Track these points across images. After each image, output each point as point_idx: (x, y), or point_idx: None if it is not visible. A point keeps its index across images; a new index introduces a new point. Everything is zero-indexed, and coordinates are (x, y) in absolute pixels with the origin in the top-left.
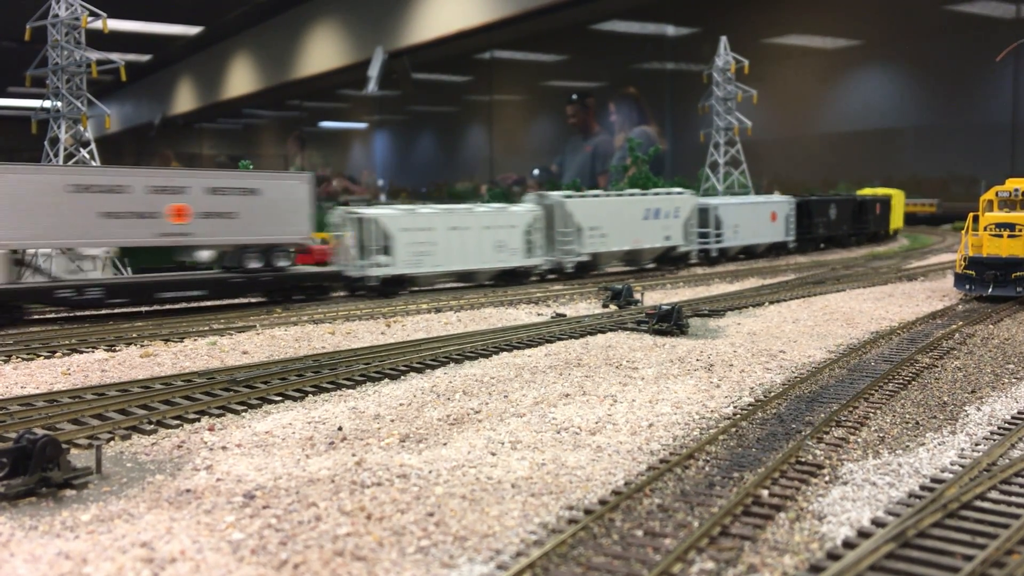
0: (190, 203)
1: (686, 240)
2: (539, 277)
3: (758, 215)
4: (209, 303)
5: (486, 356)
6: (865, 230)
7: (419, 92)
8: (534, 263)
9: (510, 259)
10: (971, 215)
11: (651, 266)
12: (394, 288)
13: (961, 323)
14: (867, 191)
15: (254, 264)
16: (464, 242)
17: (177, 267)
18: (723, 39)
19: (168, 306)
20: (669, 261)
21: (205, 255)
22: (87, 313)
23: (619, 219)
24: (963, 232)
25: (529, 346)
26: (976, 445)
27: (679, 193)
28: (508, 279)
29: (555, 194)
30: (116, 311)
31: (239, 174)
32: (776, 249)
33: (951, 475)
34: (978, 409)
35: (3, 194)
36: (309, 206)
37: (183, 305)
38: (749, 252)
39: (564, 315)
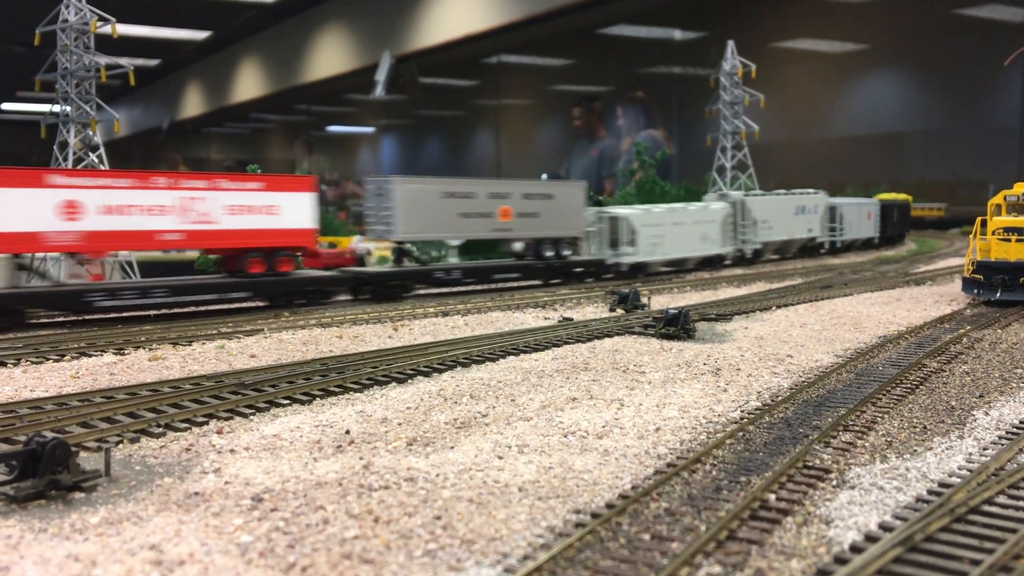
0: (512, 206)
1: (822, 232)
2: (731, 262)
3: (862, 213)
4: (219, 307)
5: (493, 360)
6: (886, 233)
7: (426, 96)
8: (726, 251)
9: (711, 248)
10: (979, 219)
11: (727, 262)
12: (635, 272)
13: (969, 327)
14: (884, 196)
15: (548, 253)
16: (682, 234)
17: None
18: (730, 43)
19: (176, 310)
20: (807, 251)
21: (518, 246)
22: (95, 317)
23: (780, 214)
24: (971, 236)
25: (536, 350)
26: (984, 450)
27: (814, 192)
28: (707, 264)
29: (736, 193)
30: (124, 316)
31: (542, 183)
32: (866, 244)
33: (959, 479)
34: (986, 414)
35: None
36: (584, 208)
37: (191, 309)
38: (850, 246)
39: (571, 319)
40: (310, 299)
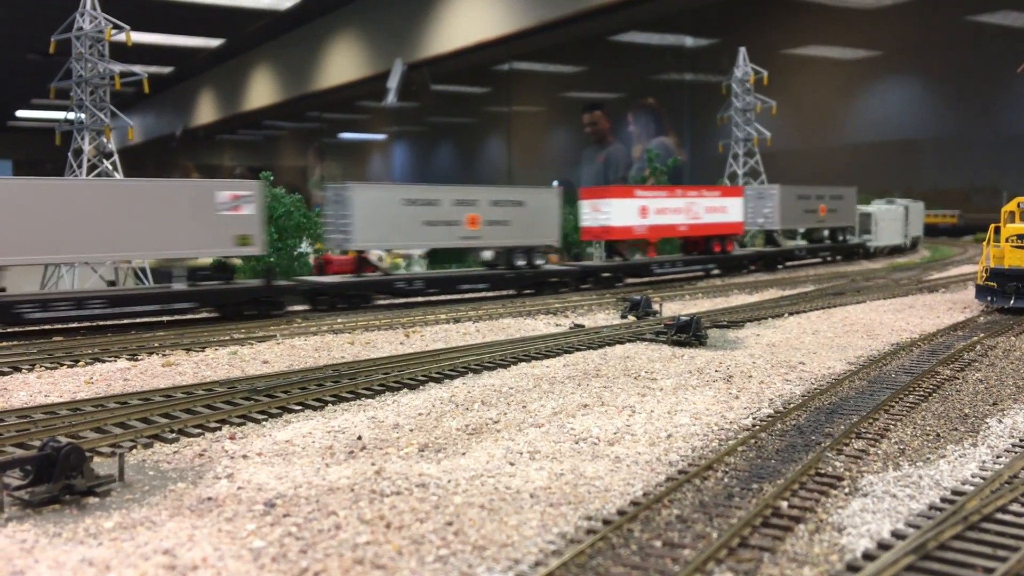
0: (480, 213)
1: (902, 238)
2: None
3: (916, 217)
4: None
5: (504, 366)
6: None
7: (438, 103)
8: (902, 242)
9: (898, 239)
10: (992, 226)
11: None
12: (870, 255)
13: (982, 335)
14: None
15: (520, 262)
16: (890, 226)
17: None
18: (742, 50)
19: (188, 316)
20: (897, 251)
21: (487, 255)
22: (110, 323)
23: (900, 219)
24: (984, 243)
25: (547, 356)
26: (998, 458)
27: (913, 201)
28: (894, 252)
29: (902, 200)
30: (138, 321)
31: (512, 189)
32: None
33: (972, 487)
34: (999, 421)
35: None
36: (558, 215)
37: (203, 315)
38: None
39: (582, 326)
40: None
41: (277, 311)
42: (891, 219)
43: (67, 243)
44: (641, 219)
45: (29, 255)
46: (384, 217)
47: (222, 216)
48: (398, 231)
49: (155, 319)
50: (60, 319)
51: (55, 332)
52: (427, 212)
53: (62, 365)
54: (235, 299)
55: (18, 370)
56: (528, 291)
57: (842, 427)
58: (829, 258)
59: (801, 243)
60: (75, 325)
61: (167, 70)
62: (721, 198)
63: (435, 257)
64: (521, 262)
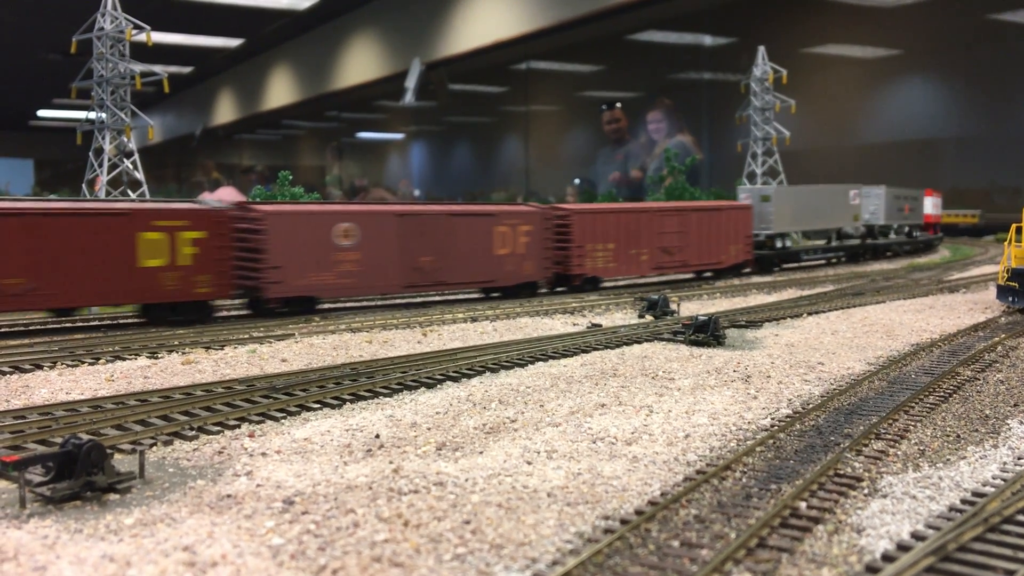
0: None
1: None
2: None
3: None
4: (245, 312)
5: (522, 365)
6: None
7: (455, 103)
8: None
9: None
10: (1014, 226)
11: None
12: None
13: (1004, 335)
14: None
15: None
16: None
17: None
18: (761, 49)
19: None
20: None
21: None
22: (130, 320)
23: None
24: (1006, 243)
25: (565, 356)
26: (1019, 459)
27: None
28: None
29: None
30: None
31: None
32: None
33: (993, 489)
34: (1021, 423)
35: None
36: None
37: (223, 313)
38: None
39: (600, 325)
40: None
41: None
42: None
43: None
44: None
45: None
46: (793, 209)
47: (853, 204)
48: (800, 218)
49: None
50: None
51: (76, 330)
52: (816, 203)
53: (83, 363)
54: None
55: (40, 367)
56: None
57: (861, 428)
58: (908, 248)
59: (899, 237)
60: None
61: (187, 70)
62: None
63: (809, 236)
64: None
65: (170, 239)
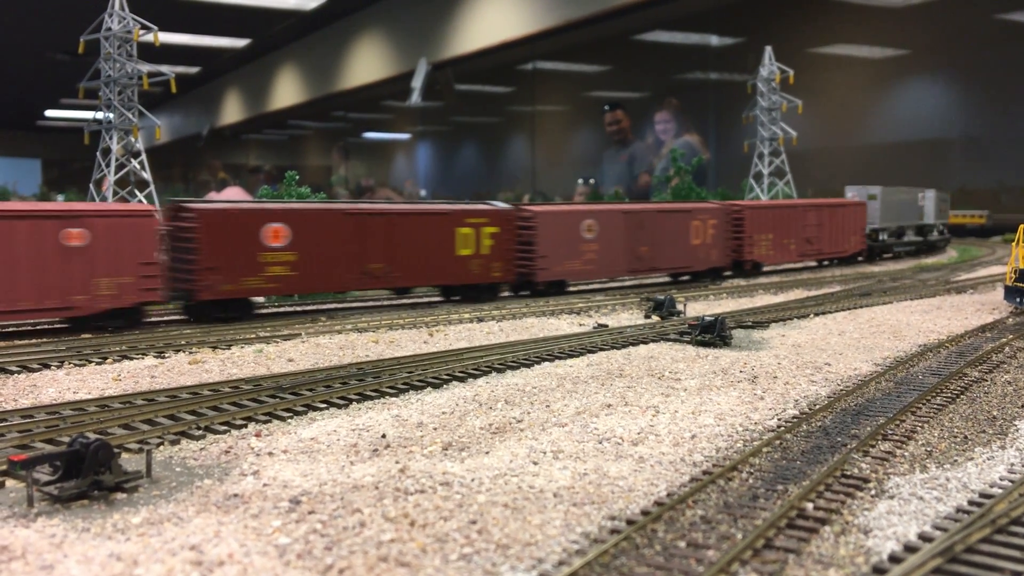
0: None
1: None
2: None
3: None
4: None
5: (528, 366)
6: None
7: (462, 103)
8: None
9: None
10: (1022, 227)
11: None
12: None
13: (1011, 336)
14: None
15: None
16: None
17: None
18: (768, 49)
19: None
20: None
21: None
22: (218, 313)
23: None
24: (1014, 244)
25: (571, 356)
26: None
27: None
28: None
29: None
30: (166, 319)
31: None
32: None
33: (1000, 490)
34: None
35: None
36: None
37: (229, 314)
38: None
39: (606, 325)
40: None
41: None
42: None
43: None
44: None
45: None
46: (888, 207)
47: (920, 205)
48: (891, 216)
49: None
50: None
51: (83, 331)
52: (902, 203)
53: (90, 362)
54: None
55: (47, 367)
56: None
57: (868, 429)
58: (943, 244)
59: (940, 235)
60: (180, 318)
61: (194, 70)
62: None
63: (892, 232)
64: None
65: (476, 233)
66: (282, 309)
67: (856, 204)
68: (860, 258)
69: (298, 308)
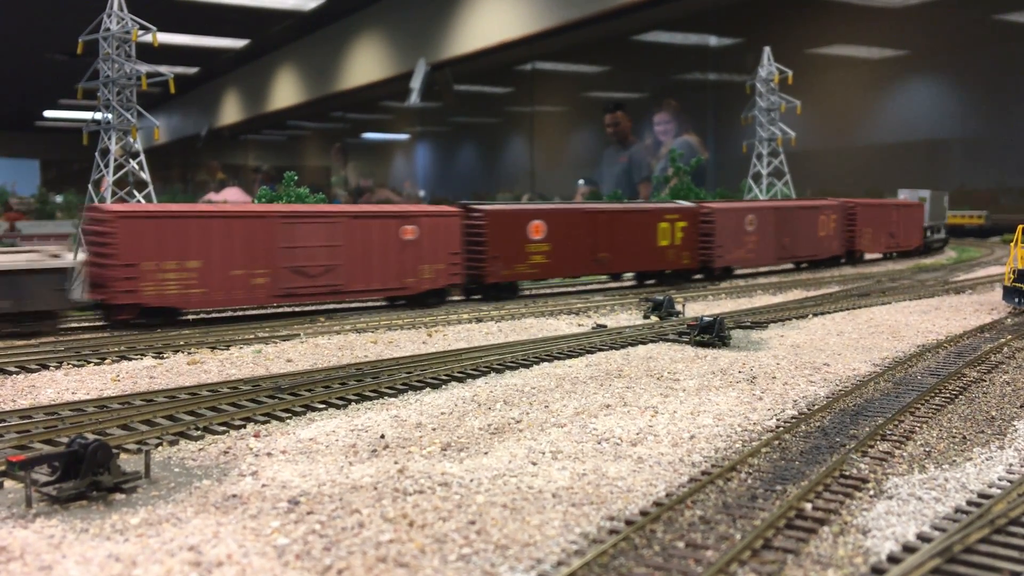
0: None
1: None
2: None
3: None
4: (255, 312)
5: (527, 366)
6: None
7: (461, 104)
8: None
9: None
10: (1021, 227)
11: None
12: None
13: (1010, 337)
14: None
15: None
16: None
17: None
18: (767, 49)
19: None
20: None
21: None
22: (138, 320)
23: None
24: (1012, 245)
25: (570, 357)
26: None
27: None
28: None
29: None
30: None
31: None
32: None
33: (999, 490)
34: None
35: None
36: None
37: (228, 315)
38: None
39: (605, 326)
40: None
41: None
42: None
43: (933, 217)
44: None
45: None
46: (930, 208)
47: (943, 206)
48: (930, 216)
49: None
50: None
51: (83, 330)
52: (936, 205)
53: (89, 363)
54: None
55: (46, 367)
56: None
57: (867, 429)
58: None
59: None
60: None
61: (193, 71)
62: None
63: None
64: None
65: (671, 227)
66: (282, 310)
67: (918, 205)
68: (917, 254)
69: (297, 309)
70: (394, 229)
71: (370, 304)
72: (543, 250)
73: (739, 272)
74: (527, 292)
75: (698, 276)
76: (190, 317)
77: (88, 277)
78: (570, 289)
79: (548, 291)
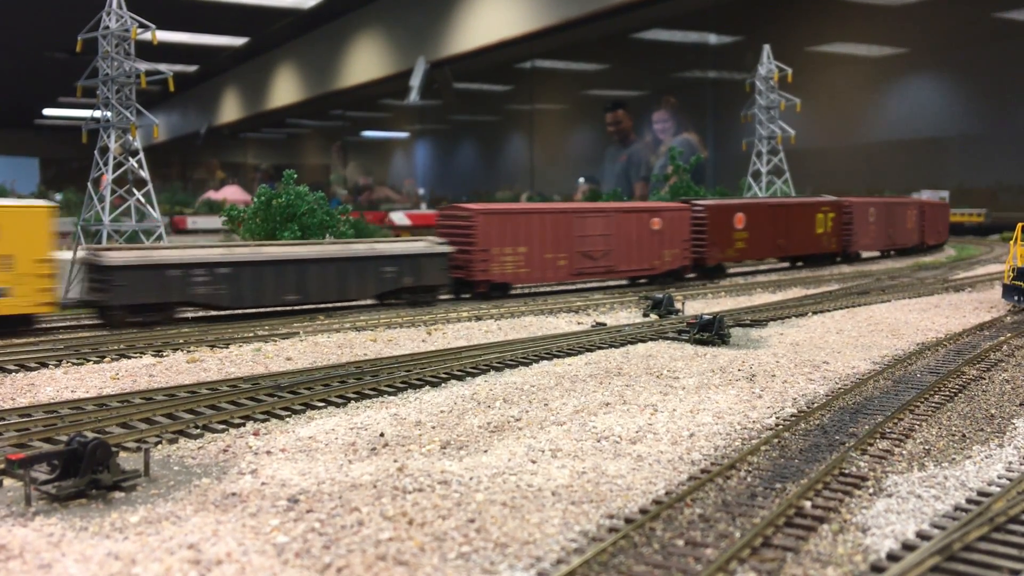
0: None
1: None
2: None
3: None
4: (255, 311)
5: (526, 364)
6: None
7: (460, 102)
8: None
9: None
10: (1020, 225)
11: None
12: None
13: (1009, 335)
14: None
15: None
16: None
17: None
18: (766, 47)
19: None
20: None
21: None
22: (136, 319)
23: None
24: (1012, 243)
25: (569, 355)
26: None
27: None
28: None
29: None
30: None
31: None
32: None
33: (998, 488)
34: None
35: None
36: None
37: (227, 313)
38: None
39: (604, 324)
40: None
41: None
42: None
43: None
44: None
45: None
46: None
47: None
48: None
49: None
50: None
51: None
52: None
53: (88, 361)
54: None
55: (45, 366)
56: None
57: (866, 427)
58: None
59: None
60: (180, 316)
61: (192, 69)
62: None
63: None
64: None
65: (825, 218)
66: (281, 309)
67: (943, 204)
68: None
69: (297, 308)
70: (646, 221)
71: (368, 303)
72: (743, 237)
73: (738, 270)
74: (527, 292)
75: (692, 276)
76: (189, 315)
77: (452, 261)
78: (569, 287)
79: (547, 289)
